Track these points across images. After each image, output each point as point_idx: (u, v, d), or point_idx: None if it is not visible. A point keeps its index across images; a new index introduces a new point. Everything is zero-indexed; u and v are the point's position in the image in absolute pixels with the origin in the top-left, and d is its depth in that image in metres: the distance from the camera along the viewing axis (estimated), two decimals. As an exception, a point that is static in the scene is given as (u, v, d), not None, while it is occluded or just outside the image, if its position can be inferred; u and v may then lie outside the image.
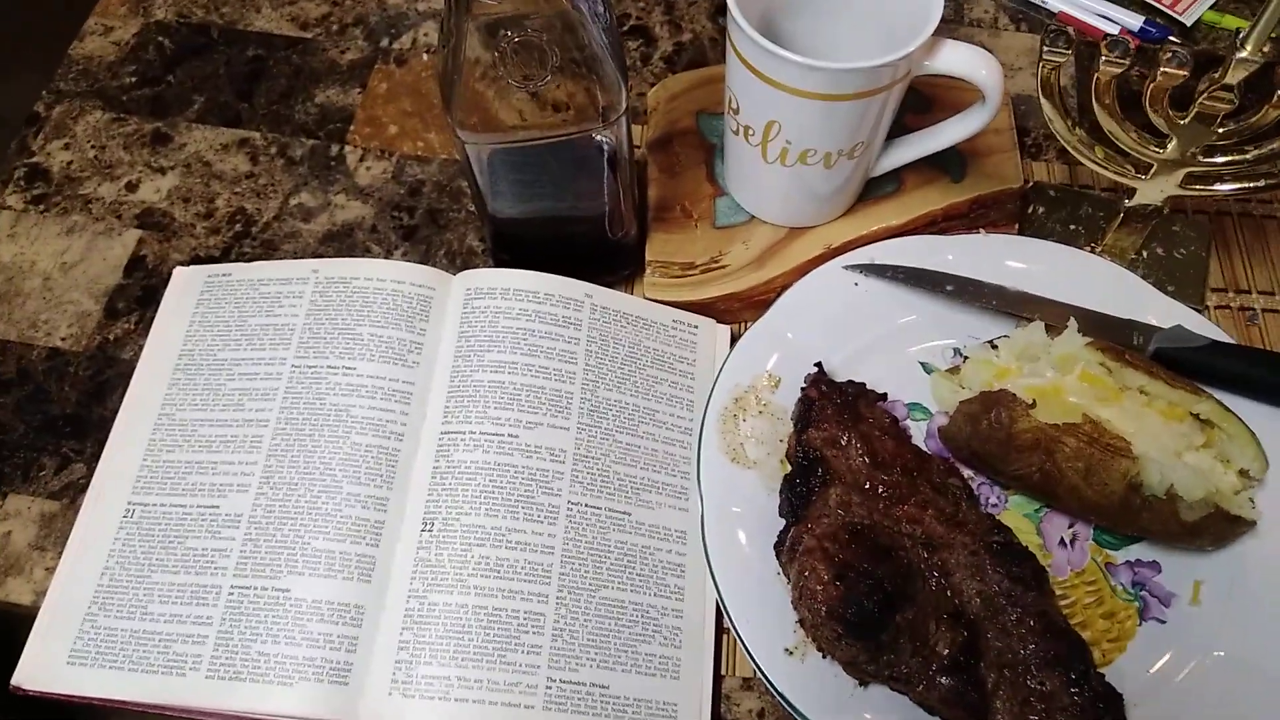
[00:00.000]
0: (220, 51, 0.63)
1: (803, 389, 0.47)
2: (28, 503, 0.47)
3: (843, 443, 0.45)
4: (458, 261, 0.55)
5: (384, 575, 0.41)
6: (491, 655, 0.39)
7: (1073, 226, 0.55)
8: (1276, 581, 0.42)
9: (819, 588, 0.40)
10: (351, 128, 0.60)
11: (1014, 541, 0.43)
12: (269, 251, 0.55)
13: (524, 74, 0.41)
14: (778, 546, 0.43)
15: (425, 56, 0.63)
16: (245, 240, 0.56)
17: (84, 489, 0.47)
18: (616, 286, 0.51)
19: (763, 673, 0.40)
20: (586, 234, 0.49)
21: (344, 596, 0.40)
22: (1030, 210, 0.56)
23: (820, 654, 0.41)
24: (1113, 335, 0.47)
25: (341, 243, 0.56)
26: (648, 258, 0.52)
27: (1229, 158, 0.46)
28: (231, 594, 0.40)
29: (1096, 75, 0.45)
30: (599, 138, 0.44)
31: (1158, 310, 0.49)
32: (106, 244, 0.55)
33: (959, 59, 0.43)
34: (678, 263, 0.52)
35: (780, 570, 0.43)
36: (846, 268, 0.50)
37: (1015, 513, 0.46)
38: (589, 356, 0.46)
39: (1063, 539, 0.45)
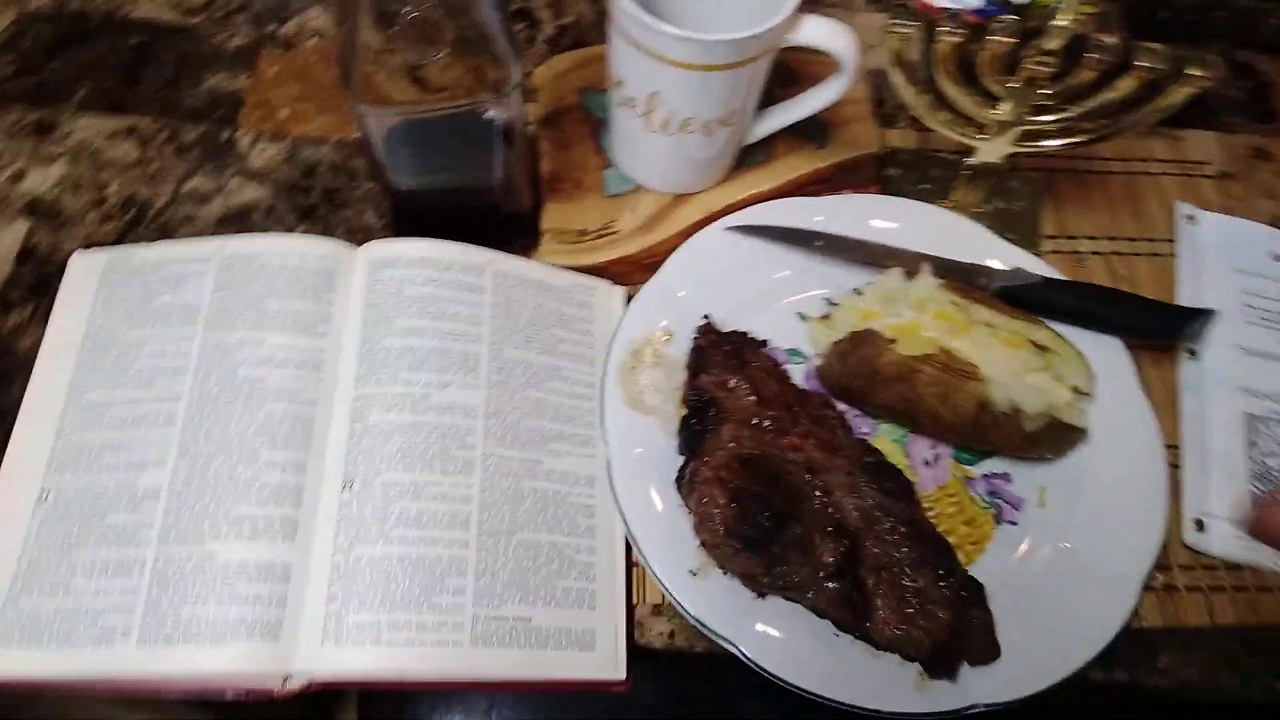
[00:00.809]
0: (102, 40, 0.63)
1: (693, 339, 0.51)
2: (-69, 495, 0.47)
3: (731, 385, 0.49)
4: (357, 238, 0.56)
5: (307, 534, 0.43)
6: (419, 598, 0.42)
7: (924, 186, 0.61)
8: (1106, 481, 0.49)
9: (716, 510, 0.44)
10: (242, 112, 0.61)
11: (884, 461, 0.48)
12: (165, 237, 0.55)
13: (420, 49, 0.43)
14: (678, 481, 0.47)
15: (313, 41, 0.64)
16: (140, 227, 0.56)
17: (-11, 481, 0.47)
18: (516, 255, 0.54)
19: (671, 594, 0.44)
20: (484, 205, 0.52)
21: (269, 556, 0.42)
22: (887, 173, 0.61)
23: (721, 571, 0.45)
24: (962, 278, 0.52)
25: (239, 225, 0.57)
26: (544, 226, 0.55)
27: (1054, 116, 0.52)
28: (157, 563, 0.42)
29: (936, 45, 0.50)
30: (493, 111, 0.46)
31: (1000, 255, 0.55)
32: (-7, 235, 0.55)
33: (819, 31, 0.48)
34: (572, 230, 0.55)
35: (681, 502, 0.47)
36: (727, 229, 0.55)
37: (884, 439, 0.51)
38: (494, 319, 0.49)
39: (926, 459, 0.51)
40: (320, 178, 0.59)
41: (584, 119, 0.59)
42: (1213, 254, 0.59)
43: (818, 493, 0.46)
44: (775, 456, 0.47)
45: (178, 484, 0.43)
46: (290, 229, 0.57)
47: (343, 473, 0.44)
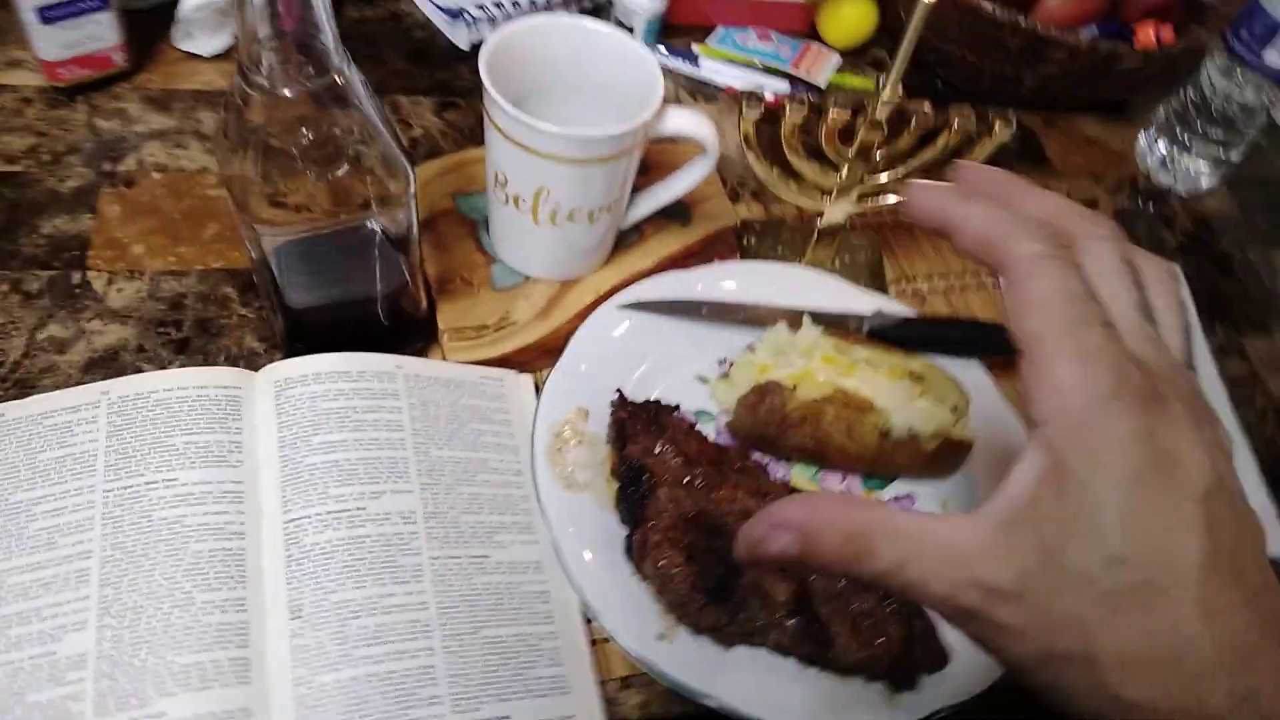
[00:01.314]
0: (-87, 195, 0.58)
1: (612, 413, 0.53)
2: None
3: (656, 451, 0.51)
4: (240, 364, 0.54)
5: (261, 672, 0.40)
6: (396, 716, 0.40)
7: (779, 249, 0.66)
8: (990, 483, 0.54)
9: (675, 570, 0.45)
10: (90, 253, 0.58)
11: (811, 499, 0.51)
12: (25, 391, 0.51)
13: (318, 168, 0.44)
14: (627, 550, 0.48)
15: (156, 175, 0.62)
16: (-7, 384, 0.51)
17: None
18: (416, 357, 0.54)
19: (643, 661, 0.45)
20: (382, 313, 0.52)
21: (226, 704, 0.39)
22: (744, 242, 0.66)
23: (689, 631, 0.46)
24: (836, 324, 0.58)
25: (107, 368, 0.53)
26: (441, 326, 0.55)
27: (886, 176, 0.59)
28: (98, 735, 0.38)
29: (782, 123, 0.56)
30: (392, 222, 0.47)
31: (860, 302, 0.61)
32: None
33: (685, 121, 0.53)
34: (470, 326, 0.56)
35: (633, 571, 0.48)
36: (620, 307, 0.57)
37: (800, 478, 0.55)
38: (413, 421, 0.49)
39: (840, 490, 0.55)
40: (189, 309, 0.56)
41: (460, 220, 0.60)
42: (1025, 280, 0.68)
43: (758, 538, 0.48)
44: (713, 511, 0.49)
45: (105, 645, 0.39)
46: (165, 364, 0.54)
47: (287, 601, 0.42)
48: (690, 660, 0.45)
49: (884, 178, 0.59)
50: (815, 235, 0.64)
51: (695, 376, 0.58)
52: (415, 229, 0.49)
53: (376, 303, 0.51)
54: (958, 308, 0.67)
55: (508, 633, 0.45)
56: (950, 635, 0.48)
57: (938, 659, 0.47)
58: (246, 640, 0.41)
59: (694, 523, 0.47)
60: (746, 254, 0.66)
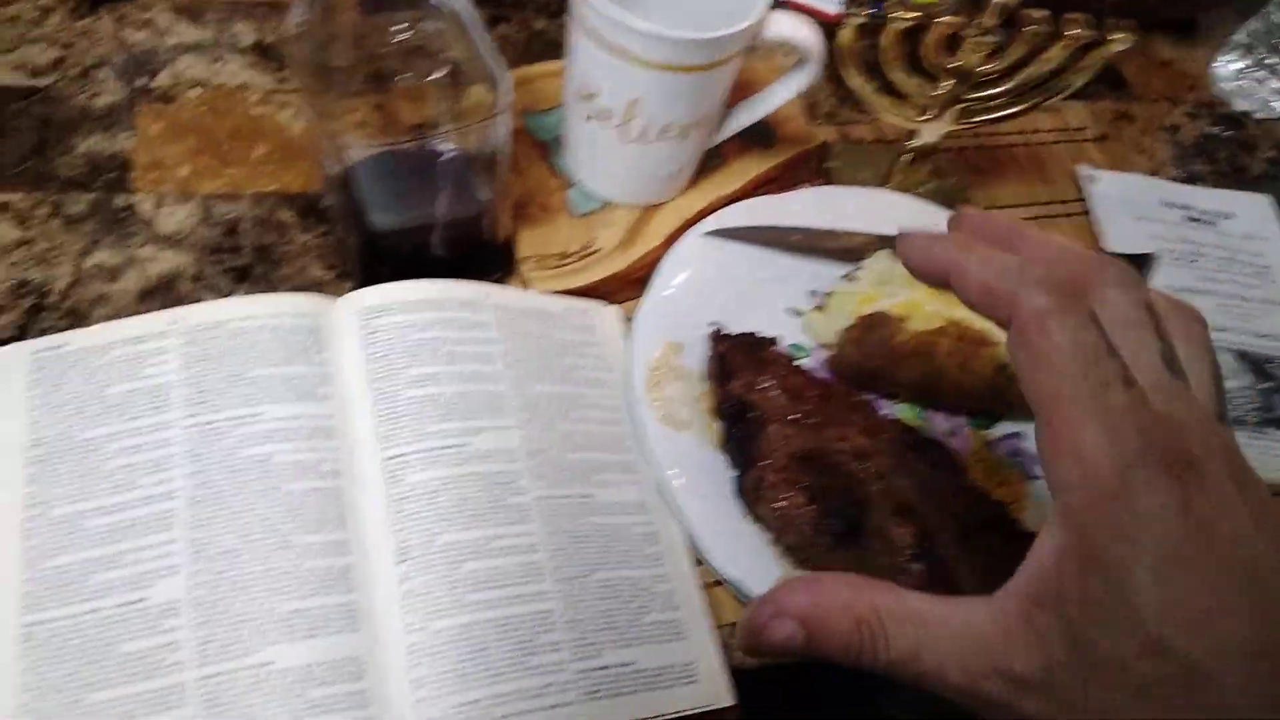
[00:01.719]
0: (-66, 111, 0.53)
1: (712, 347, 0.49)
2: None
3: (760, 386, 0.48)
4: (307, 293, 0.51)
5: (370, 618, 0.37)
6: (516, 664, 0.37)
7: (863, 173, 0.63)
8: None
9: (798, 512, 0.42)
10: (133, 175, 0.53)
11: (926, 436, 0.48)
12: (78, 321, 0.47)
13: (408, 74, 0.40)
14: (739, 491, 0.45)
15: (195, 92, 0.58)
16: (44, 314, 0.47)
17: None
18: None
19: (764, 607, 0.42)
20: (465, 237, 0.48)
21: (334, 653, 0.36)
22: (827, 166, 0.63)
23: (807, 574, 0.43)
24: (936, 253, 0.54)
25: (164, 297, 0.49)
26: (521, 254, 0.51)
27: (993, 91, 0.55)
28: (202, 686, 0.34)
29: (886, 30, 0.52)
30: (479, 138, 0.43)
31: (954, 229, 0.58)
32: None
33: (789, 25, 0.48)
34: (551, 254, 0.52)
35: (744, 513, 0.45)
36: (706, 234, 0.54)
37: (905, 418, 0.52)
38: (506, 355, 0.45)
39: (946, 431, 0.52)
40: (246, 235, 0.52)
41: (530, 141, 0.56)
42: (1116, 208, 0.65)
43: (873, 478, 0.45)
44: (826, 449, 0.46)
45: (200, 592, 0.36)
46: (225, 294, 0.50)
47: (393, 544, 0.39)
48: (812, 605, 0.43)
49: (991, 92, 0.55)
50: (903, 158, 0.60)
51: (785, 309, 0.55)
52: (508, 144, 0.45)
53: (459, 227, 0.47)
54: (1046, 237, 0.64)
55: (619, 576, 0.42)
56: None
57: (1066, 601, 0.45)
58: (352, 585, 0.38)
59: (809, 461, 0.44)
60: (830, 179, 0.62)
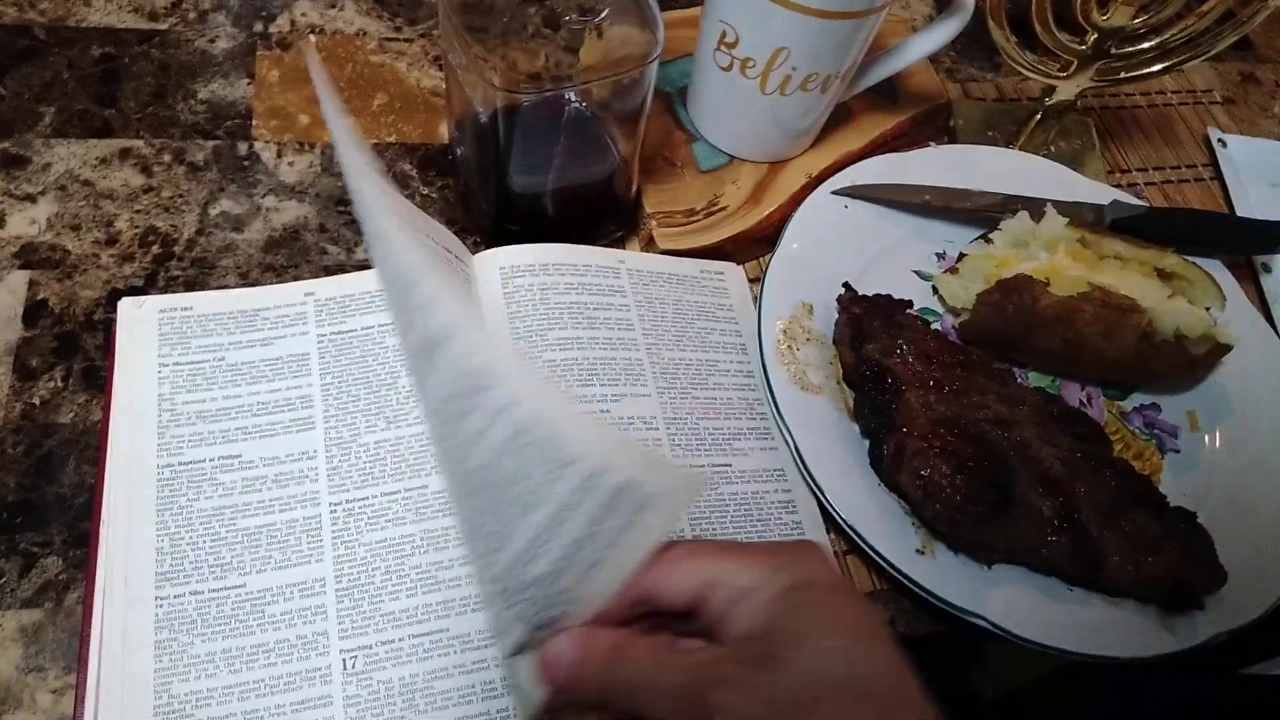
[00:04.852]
0: (56, 55, 0.53)
1: (842, 309, 0.48)
2: (-2, 619, 0.37)
3: (898, 350, 0.46)
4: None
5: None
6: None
7: (989, 133, 0.60)
8: (1244, 390, 0.50)
9: (944, 481, 0.41)
10: (254, 122, 0.53)
11: (1070, 406, 0.47)
12: (205, 271, 0.47)
13: (573, 16, 0.38)
14: (877, 457, 0.44)
15: (312, 38, 0.57)
16: (170, 262, 0.47)
17: (69, 586, 0.38)
18: (617, 246, 0.49)
19: (906, 577, 0.41)
20: (599, 193, 0.47)
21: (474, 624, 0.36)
22: (951, 123, 0.60)
23: (950, 549, 0.43)
24: (1072, 215, 0.52)
25: (290, 248, 0.49)
26: (649, 210, 0.50)
27: (1143, 45, 0.52)
28: (343, 658, 0.34)
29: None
30: (637, 84, 0.42)
31: (1087, 191, 0.55)
32: (-14, 292, 0.45)
33: (941, -27, 0.46)
34: (679, 211, 0.50)
35: (879, 481, 0.44)
36: (834, 193, 0.52)
37: (1038, 384, 0.50)
38: (642, 321, 0.44)
39: (1081, 401, 0.50)
40: (367, 186, 0.51)
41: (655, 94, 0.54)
42: (1247, 173, 0.62)
43: (1016, 448, 0.44)
44: (968, 417, 0.44)
45: (342, 564, 0.36)
46: (351, 247, 0.49)
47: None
48: (953, 577, 0.42)
49: (1142, 46, 0.52)
50: (1037, 116, 0.58)
51: (912, 270, 0.53)
52: (650, 95, 0.43)
53: (595, 181, 0.46)
54: (1174, 202, 0.61)
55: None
56: (1228, 554, 0.44)
57: (1215, 578, 0.43)
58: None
59: (953, 429, 0.43)
60: (956, 138, 0.60)
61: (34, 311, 0.44)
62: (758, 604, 0.25)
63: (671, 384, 0.43)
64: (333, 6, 0.58)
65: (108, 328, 0.43)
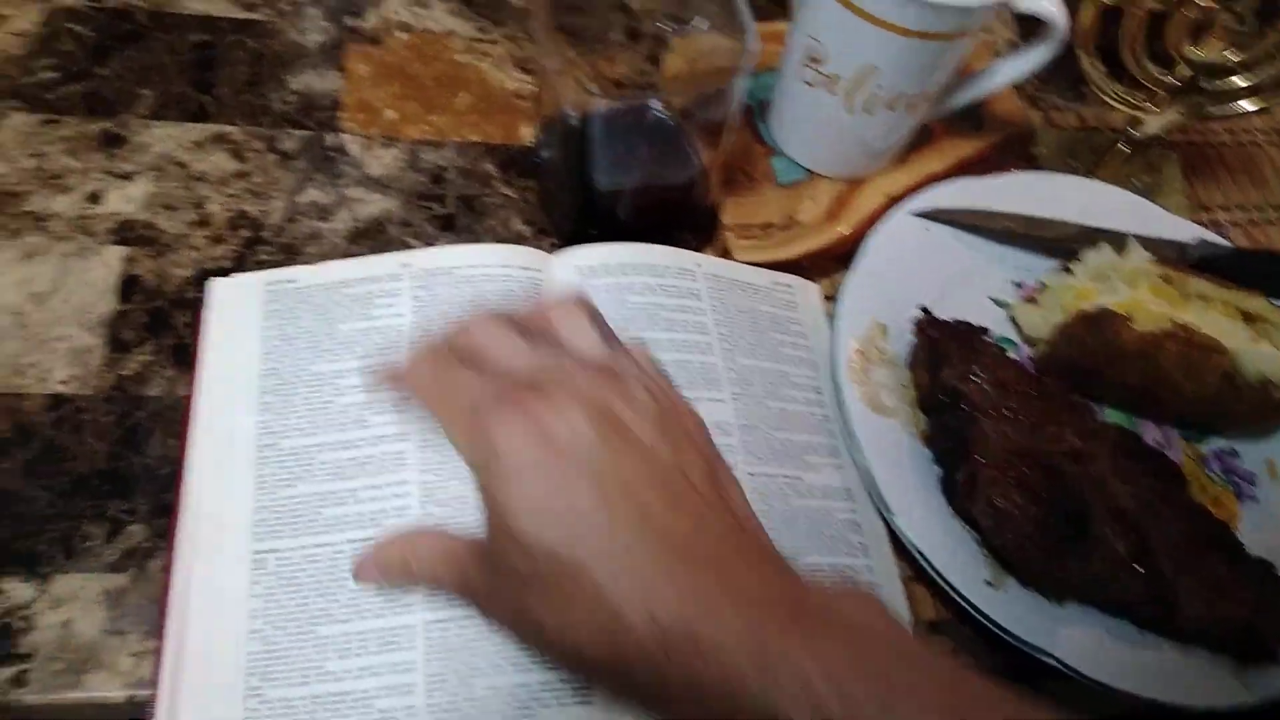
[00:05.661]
0: (156, 39, 0.54)
1: (921, 331, 0.47)
2: (81, 582, 0.38)
3: (974, 377, 0.46)
4: (508, 247, 0.50)
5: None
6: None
7: (1070, 161, 0.60)
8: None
9: (1017, 512, 0.41)
10: (343, 115, 0.54)
11: (1147, 444, 0.46)
12: (292, 257, 0.48)
13: (672, 24, 0.39)
14: (950, 485, 0.44)
15: (403, 36, 0.58)
16: (259, 246, 0.48)
17: (151, 554, 0.39)
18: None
19: (975, 608, 0.41)
20: (680, 201, 0.47)
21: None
22: (1033, 151, 0.60)
23: (1018, 580, 0.42)
24: (1154, 250, 0.51)
25: (374, 240, 0.49)
26: (726, 222, 0.50)
27: (1238, 82, 0.51)
28: (430, 631, 0.35)
29: (1131, 12, 0.49)
30: (725, 93, 0.42)
31: (1170, 227, 0.54)
32: (82, 266, 0.46)
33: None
34: (756, 224, 0.51)
35: (951, 510, 0.44)
36: (914, 214, 0.52)
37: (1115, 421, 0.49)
38: (718, 326, 0.44)
39: (1157, 441, 0.49)
40: (451, 184, 0.52)
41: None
42: (1337, 217, 0.61)
43: (1092, 482, 0.43)
44: (1043, 449, 0.44)
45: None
46: (431, 241, 0.50)
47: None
48: (1024, 611, 0.41)
49: (1238, 80, 0.51)
50: (1116, 146, 0.57)
51: (989, 297, 0.52)
52: (737, 107, 0.43)
53: (677, 189, 0.46)
54: (1258, 243, 0.60)
55: (826, 563, 0.41)
56: (1306, 607, 0.42)
57: (1291, 630, 0.42)
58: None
59: (1028, 460, 0.42)
60: (1035, 164, 0.59)
61: (128, 286, 0.46)
62: None
63: (745, 390, 0.43)
64: (420, 5, 0.59)
65: (196, 307, 0.44)
